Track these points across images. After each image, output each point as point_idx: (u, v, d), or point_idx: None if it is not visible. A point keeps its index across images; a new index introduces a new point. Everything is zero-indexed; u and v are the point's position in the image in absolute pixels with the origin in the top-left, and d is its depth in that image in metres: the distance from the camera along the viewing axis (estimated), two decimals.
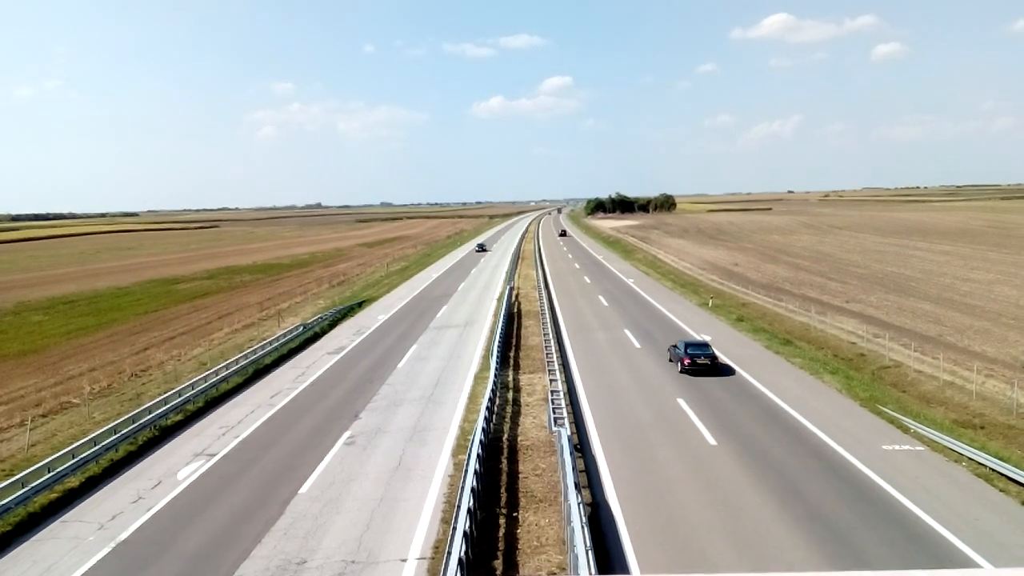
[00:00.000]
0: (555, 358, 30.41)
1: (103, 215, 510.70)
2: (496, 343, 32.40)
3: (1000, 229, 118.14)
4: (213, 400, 27.27)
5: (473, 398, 25.93)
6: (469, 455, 17.56)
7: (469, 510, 14.36)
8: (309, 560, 14.53)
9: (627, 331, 38.38)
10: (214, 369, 29.53)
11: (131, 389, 30.18)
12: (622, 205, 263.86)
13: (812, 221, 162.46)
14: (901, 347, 32.82)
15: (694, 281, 63.12)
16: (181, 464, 20.63)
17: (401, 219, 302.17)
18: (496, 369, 28.13)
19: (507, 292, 51.39)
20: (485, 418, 21.08)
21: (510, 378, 28.97)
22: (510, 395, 26.54)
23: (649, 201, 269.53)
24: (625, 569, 13.75)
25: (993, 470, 17.85)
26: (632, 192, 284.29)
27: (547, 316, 41.60)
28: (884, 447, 20.08)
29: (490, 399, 23.32)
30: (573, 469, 16.17)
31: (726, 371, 29.13)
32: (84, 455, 19.82)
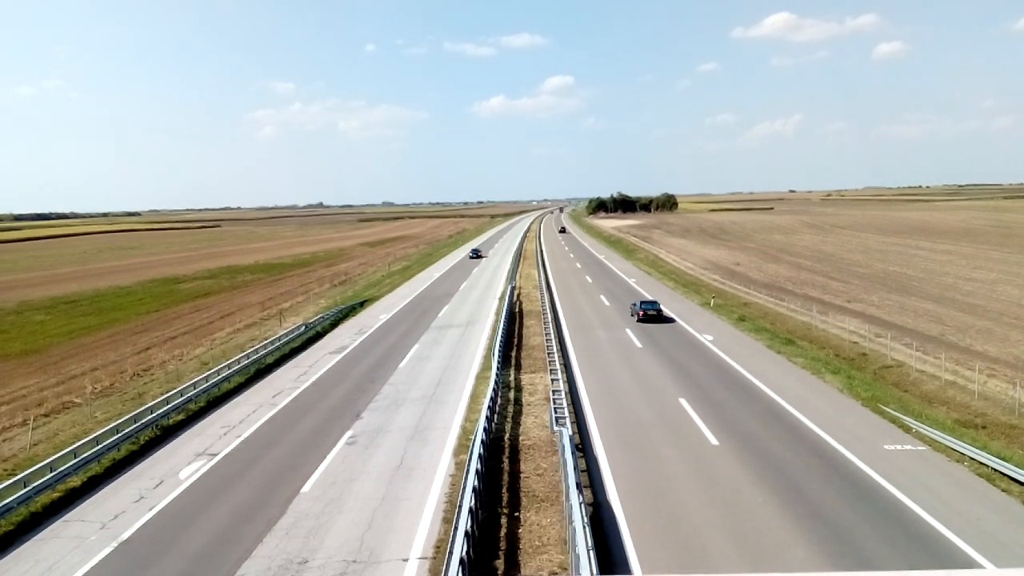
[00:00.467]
0: (557, 357, 30.41)
1: (105, 215, 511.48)
2: (498, 342, 32.40)
3: (1002, 228, 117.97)
4: (215, 400, 27.30)
5: (475, 397, 25.94)
6: (471, 454, 17.56)
7: (471, 510, 14.36)
8: (311, 559, 14.53)
9: (628, 331, 38.36)
10: (216, 369, 29.55)
11: (133, 388, 30.22)
12: (624, 204, 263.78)
13: (814, 220, 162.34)
14: (903, 347, 32.78)
15: (696, 281, 63.09)
16: (183, 463, 20.64)
17: (403, 219, 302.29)
18: (498, 368, 28.14)
19: (509, 291, 51.39)
20: (487, 417, 21.08)
21: (512, 377, 28.97)
22: (512, 394, 26.54)
23: (651, 200, 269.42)
24: (627, 569, 13.74)
25: (995, 470, 17.83)
26: (634, 191, 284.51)
27: (549, 315, 41.60)
28: (886, 447, 20.06)
29: (492, 398, 23.33)
30: (575, 469, 16.17)
31: (668, 320, 41.20)
32: (86, 454, 19.84)
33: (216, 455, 21.21)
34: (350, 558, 14.52)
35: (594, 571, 11.42)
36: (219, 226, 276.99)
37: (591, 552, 11.96)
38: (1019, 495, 16.67)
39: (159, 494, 18.39)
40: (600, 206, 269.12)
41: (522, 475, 18.74)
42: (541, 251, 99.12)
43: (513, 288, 55.47)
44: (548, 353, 31.84)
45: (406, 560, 14.38)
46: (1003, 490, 16.96)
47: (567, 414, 22.58)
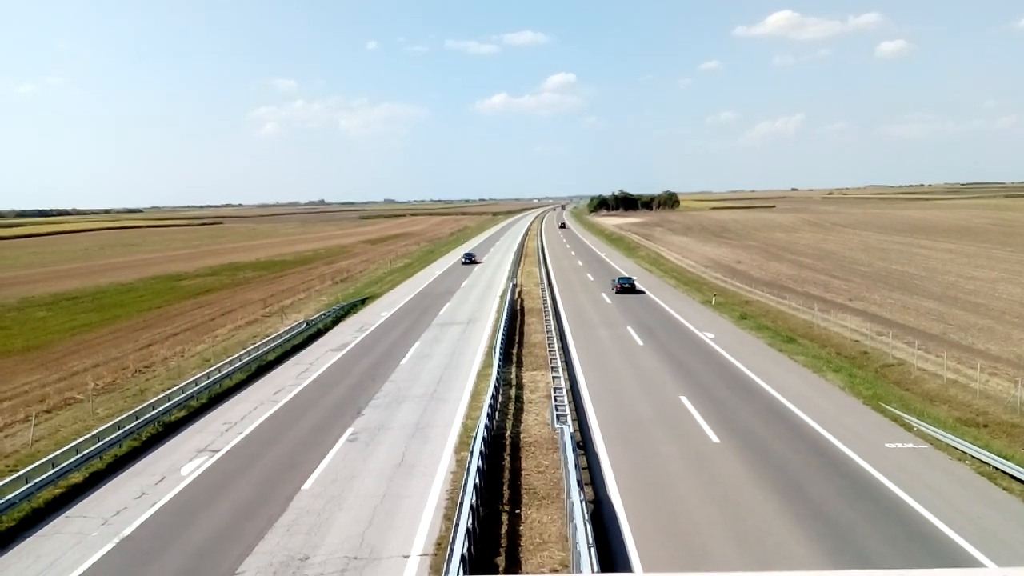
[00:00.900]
0: (558, 355, 30.41)
1: (106, 211, 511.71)
2: (499, 340, 32.40)
3: (1004, 227, 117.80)
4: (216, 396, 27.33)
5: (476, 395, 25.94)
6: (472, 452, 17.58)
7: (472, 507, 14.37)
8: (312, 556, 14.56)
9: (630, 328, 38.36)
10: (217, 365, 29.59)
11: (135, 385, 30.26)
12: (625, 202, 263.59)
13: (815, 219, 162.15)
14: (905, 345, 32.75)
15: (697, 279, 63.05)
16: (184, 460, 20.67)
17: (404, 216, 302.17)
18: (499, 366, 28.15)
19: (510, 289, 51.39)
20: (488, 415, 21.09)
21: (513, 375, 28.98)
22: (513, 392, 26.55)
23: (652, 198, 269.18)
24: (628, 566, 13.75)
25: (996, 468, 17.82)
26: (635, 189, 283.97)
27: (550, 313, 41.61)
28: (887, 445, 20.05)
29: (493, 396, 23.34)
30: (576, 466, 16.19)
31: (640, 292, 52.95)
32: (88, 451, 19.87)
33: (217, 452, 21.24)
34: (351, 555, 14.54)
35: (595, 568, 11.43)
36: (221, 223, 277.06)
37: (592, 549, 11.98)
38: (1020, 493, 16.66)
39: (161, 490, 18.42)
40: (602, 204, 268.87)
41: (523, 472, 18.76)
42: (543, 249, 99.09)
43: (515, 286, 55.48)
44: (549, 351, 31.85)
45: (407, 557, 14.40)
46: (1004, 488, 16.96)
47: (568, 411, 22.60)
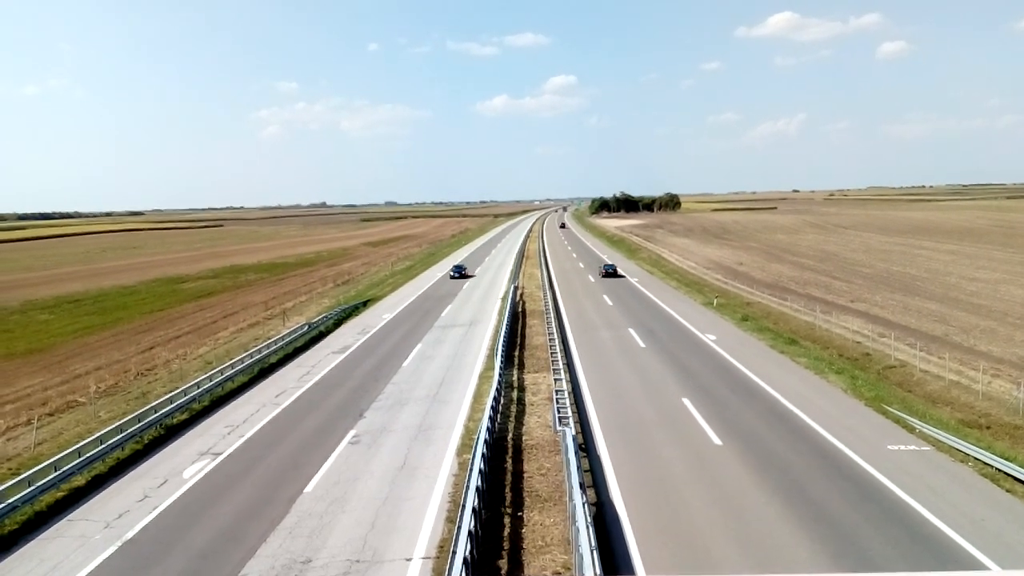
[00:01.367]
0: (560, 357, 30.41)
1: (108, 214, 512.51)
2: (501, 342, 32.40)
3: (1006, 228, 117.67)
4: (219, 399, 27.35)
5: (478, 397, 25.94)
6: (474, 454, 17.57)
7: (474, 509, 14.36)
8: (314, 559, 14.56)
9: (631, 330, 38.34)
10: (219, 368, 29.62)
11: (137, 388, 30.29)
12: (626, 204, 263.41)
13: (817, 220, 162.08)
14: (907, 347, 32.72)
15: (698, 280, 63.02)
16: (187, 463, 20.69)
17: (406, 218, 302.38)
18: (501, 368, 28.16)
19: (511, 291, 51.40)
20: (490, 417, 21.08)
21: (515, 377, 28.97)
22: (515, 394, 26.55)
23: (654, 200, 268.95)
24: (630, 569, 13.74)
25: (999, 470, 17.79)
26: (636, 191, 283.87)
27: (551, 315, 41.60)
28: (889, 447, 20.02)
29: (495, 398, 23.34)
30: (578, 468, 16.18)
31: (620, 276, 63.88)
32: (90, 454, 19.90)
33: (220, 454, 21.26)
34: (353, 558, 14.54)
35: (597, 571, 11.42)
36: (222, 226, 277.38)
37: (595, 552, 11.96)
38: (1023, 495, 16.63)
39: (163, 493, 18.44)
40: (603, 206, 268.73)
41: (525, 475, 18.75)
42: (544, 251, 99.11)
43: (516, 288, 55.49)
44: (551, 353, 31.85)
45: (409, 560, 14.40)
46: (1007, 490, 16.93)
47: (570, 414, 22.58)
